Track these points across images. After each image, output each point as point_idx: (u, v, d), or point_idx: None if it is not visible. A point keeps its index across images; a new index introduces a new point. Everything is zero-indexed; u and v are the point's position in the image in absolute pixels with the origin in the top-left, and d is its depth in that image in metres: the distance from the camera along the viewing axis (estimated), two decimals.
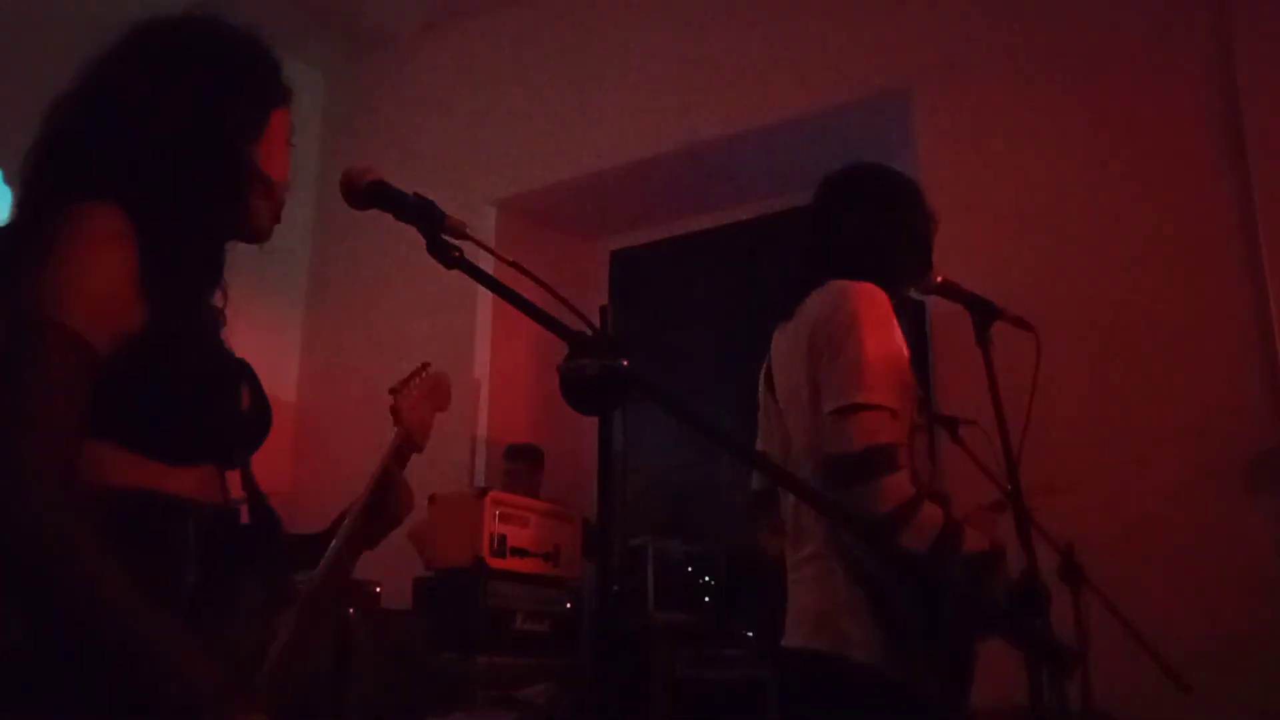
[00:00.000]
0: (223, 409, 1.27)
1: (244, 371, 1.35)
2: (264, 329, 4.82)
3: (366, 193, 1.31)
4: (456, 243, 1.26)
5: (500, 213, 4.92)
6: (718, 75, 4.33)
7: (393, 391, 1.57)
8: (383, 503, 1.45)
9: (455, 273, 1.25)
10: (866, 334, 1.84)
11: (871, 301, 1.88)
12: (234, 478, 1.35)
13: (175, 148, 1.25)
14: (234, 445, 1.31)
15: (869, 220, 2.02)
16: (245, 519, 1.33)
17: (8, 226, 1.21)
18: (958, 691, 1.85)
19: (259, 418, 1.36)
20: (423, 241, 1.26)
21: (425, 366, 1.65)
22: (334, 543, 1.40)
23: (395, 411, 1.54)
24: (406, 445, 1.53)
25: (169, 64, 1.29)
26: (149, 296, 1.18)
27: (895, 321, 1.91)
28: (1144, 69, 3.39)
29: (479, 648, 3.60)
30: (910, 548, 1.75)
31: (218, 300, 1.36)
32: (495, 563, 3.73)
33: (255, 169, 1.33)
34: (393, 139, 5.16)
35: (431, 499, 3.83)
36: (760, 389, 2.13)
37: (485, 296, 4.64)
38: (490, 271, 1.27)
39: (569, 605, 3.97)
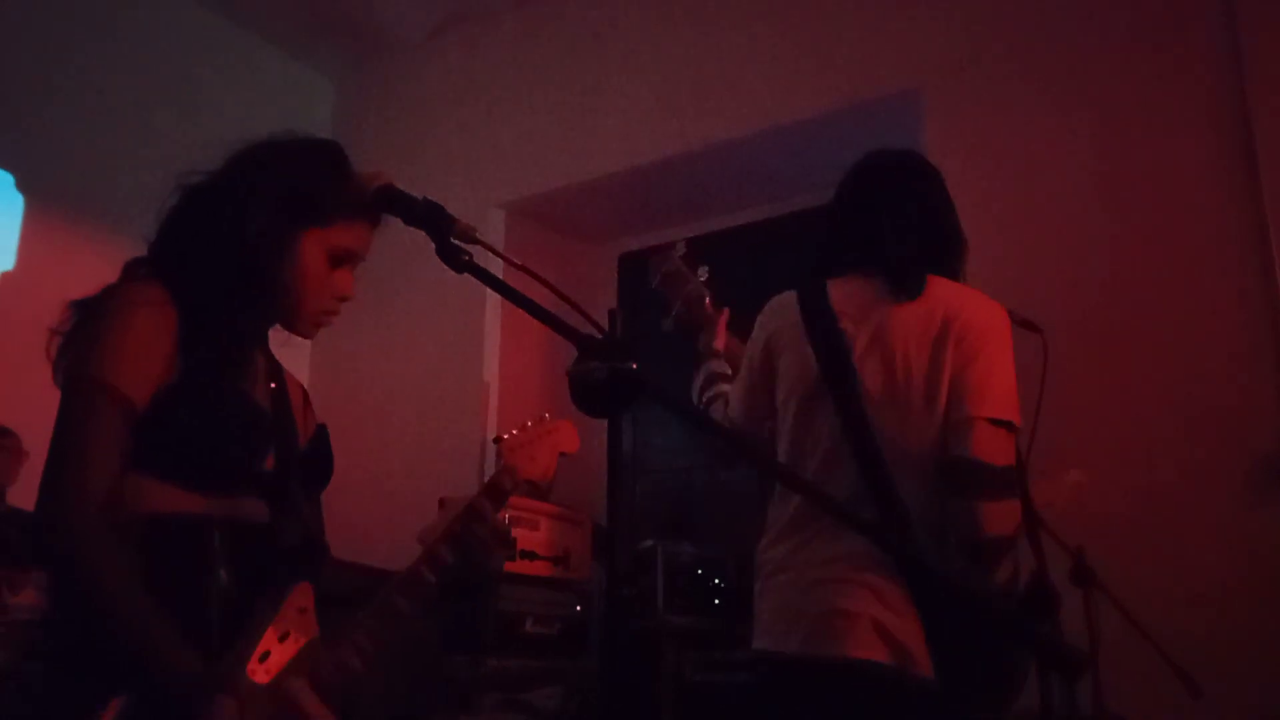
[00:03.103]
0: (237, 448, 1.43)
1: (319, 433, 1.63)
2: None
3: (376, 197, 1.32)
4: (466, 247, 1.27)
5: (509, 216, 4.92)
6: (726, 78, 4.33)
7: (496, 441, 1.67)
8: (470, 535, 1.56)
9: (464, 276, 1.26)
10: (1010, 359, 1.89)
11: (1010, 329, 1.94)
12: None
13: (200, 244, 1.48)
14: (269, 480, 1.48)
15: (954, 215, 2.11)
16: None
17: (83, 302, 1.46)
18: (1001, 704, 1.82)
19: (314, 464, 1.59)
20: (432, 245, 1.27)
21: (545, 417, 1.73)
22: (412, 564, 1.52)
23: (500, 452, 1.65)
24: (507, 482, 1.62)
25: (222, 178, 1.53)
26: (184, 355, 1.40)
27: None
28: (1153, 71, 3.38)
29: (489, 650, 3.60)
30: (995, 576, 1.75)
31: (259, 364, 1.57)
32: (505, 566, 3.74)
33: (271, 277, 1.50)
34: (401, 144, 5.17)
35: (441, 502, 3.82)
36: (758, 356, 2.12)
37: (494, 299, 4.65)
38: (499, 275, 1.27)
39: (578, 608, 3.97)
